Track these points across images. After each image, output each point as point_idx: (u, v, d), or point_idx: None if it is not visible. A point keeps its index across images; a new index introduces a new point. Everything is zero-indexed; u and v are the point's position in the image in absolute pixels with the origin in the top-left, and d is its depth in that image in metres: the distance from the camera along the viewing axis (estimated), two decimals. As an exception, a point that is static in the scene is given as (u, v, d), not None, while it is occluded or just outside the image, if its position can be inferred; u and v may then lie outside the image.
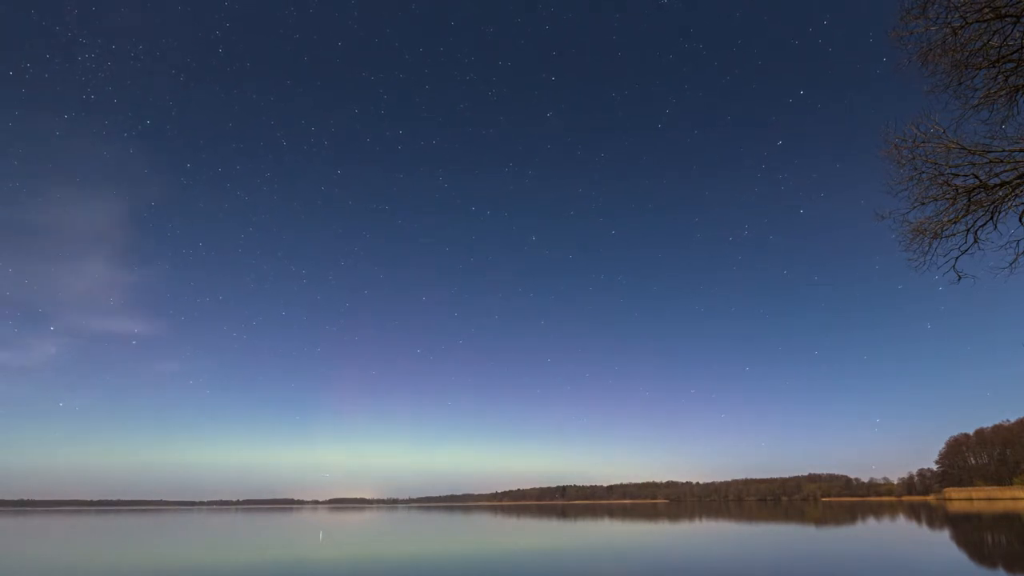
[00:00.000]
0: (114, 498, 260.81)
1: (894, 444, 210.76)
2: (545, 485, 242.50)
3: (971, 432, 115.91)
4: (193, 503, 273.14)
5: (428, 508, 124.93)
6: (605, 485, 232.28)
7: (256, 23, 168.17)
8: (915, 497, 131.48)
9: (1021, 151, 8.25)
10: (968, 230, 9.18)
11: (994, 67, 7.95)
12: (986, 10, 7.42)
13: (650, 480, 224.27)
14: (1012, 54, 7.75)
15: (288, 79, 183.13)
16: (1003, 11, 7.39)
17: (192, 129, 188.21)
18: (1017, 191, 8.51)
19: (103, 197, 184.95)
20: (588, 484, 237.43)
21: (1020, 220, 8.80)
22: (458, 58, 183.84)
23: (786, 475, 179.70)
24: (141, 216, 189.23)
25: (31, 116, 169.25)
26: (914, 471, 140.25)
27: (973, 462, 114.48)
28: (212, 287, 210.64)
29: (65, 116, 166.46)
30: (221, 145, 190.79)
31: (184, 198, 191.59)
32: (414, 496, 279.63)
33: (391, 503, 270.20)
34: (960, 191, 8.78)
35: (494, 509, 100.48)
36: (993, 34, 7.65)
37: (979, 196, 8.73)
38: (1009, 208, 8.79)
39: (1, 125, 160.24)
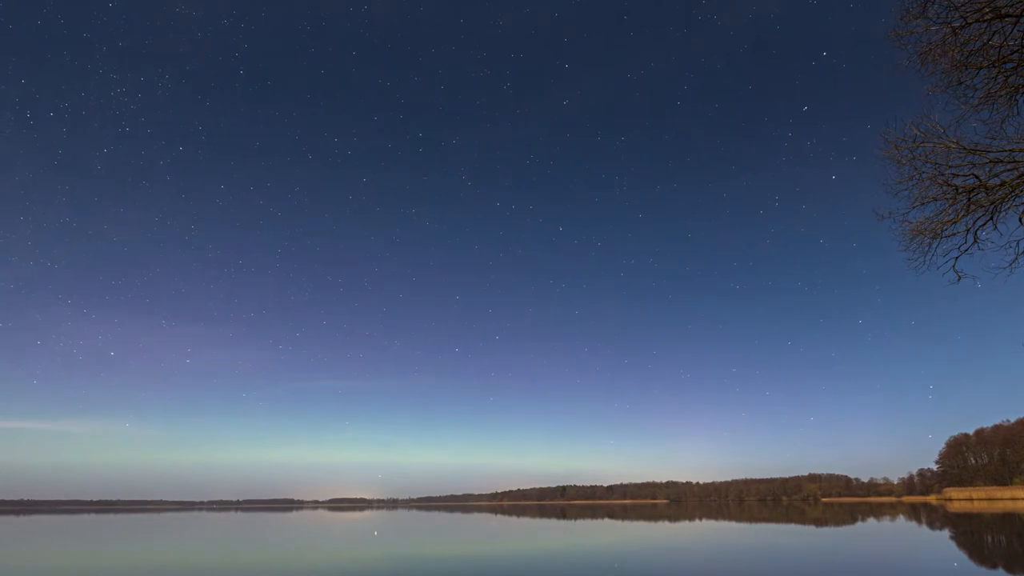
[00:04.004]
0: (114, 498, 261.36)
1: (894, 444, 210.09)
2: (545, 485, 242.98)
3: (971, 432, 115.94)
4: (193, 503, 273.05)
5: (429, 508, 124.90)
6: (605, 485, 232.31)
7: (272, 41, 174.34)
8: (915, 497, 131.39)
9: (1021, 151, 8.24)
10: (968, 230, 9.18)
11: (994, 67, 7.95)
12: (986, 10, 7.41)
13: (650, 480, 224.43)
14: (1012, 54, 7.74)
15: (308, 93, 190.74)
16: (1003, 11, 7.38)
17: (222, 151, 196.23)
18: (1017, 191, 8.51)
19: (146, 224, 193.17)
20: (588, 484, 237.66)
21: (1020, 220, 8.80)
22: (470, 55, 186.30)
23: (786, 475, 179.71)
24: (183, 239, 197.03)
25: (73, 153, 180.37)
26: (914, 471, 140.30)
27: (973, 462, 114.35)
28: (255, 302, 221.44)
29: (104, 150, 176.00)
30: (251, 164, 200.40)
31: (221, 218, 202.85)
32: (414, 496, 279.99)
33: (391, 503, 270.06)
34: (960, 191, 8.78)
35: (494, 509, 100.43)
36: (993, 34, 7.65)
37: (979, 196, 8.73)
38: (1009, 208, 8.80)
39: (47, 163, 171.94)
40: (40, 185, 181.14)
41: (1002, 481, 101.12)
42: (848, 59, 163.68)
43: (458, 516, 56.27)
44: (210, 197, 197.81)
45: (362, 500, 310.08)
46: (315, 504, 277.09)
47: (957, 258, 9.49)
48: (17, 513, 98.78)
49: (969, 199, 8.80)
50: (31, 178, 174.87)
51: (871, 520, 36.64)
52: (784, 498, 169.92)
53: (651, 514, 56.61)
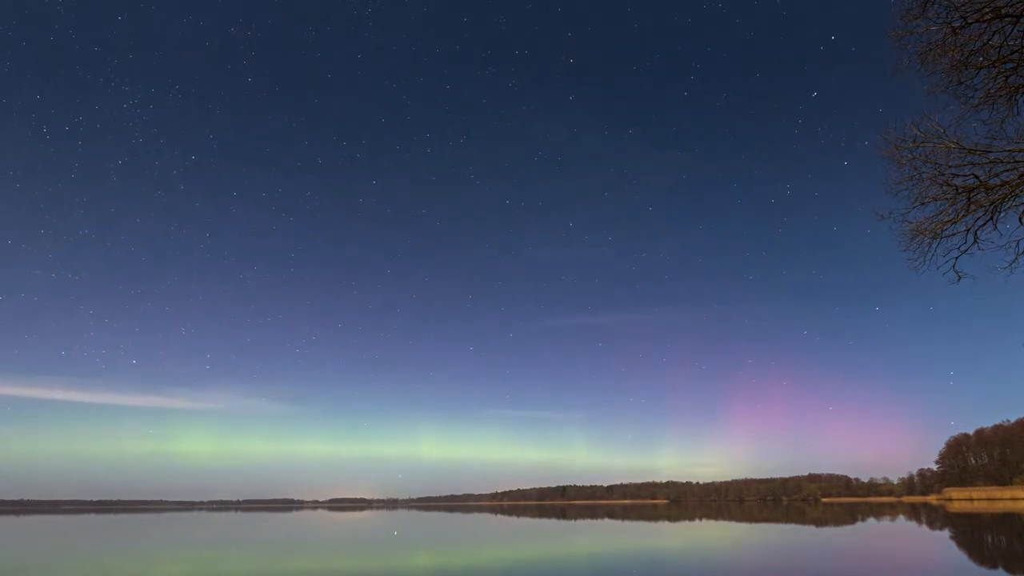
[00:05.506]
0: (114, 498, 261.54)
1: (894, 444, 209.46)
2: (545, 485, 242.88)
3: (971, 432, 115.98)
4: (193, 503, 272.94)
5: (429, 508, 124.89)
6: (605, 485, 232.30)
7: (278, 48, 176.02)
8: (916, 497, 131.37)
9: (1021, 151, 8.24)
10: (968, 230, 9.18)
11: (994, 67, 7.94)
12: (986, 10, 7.41)
13: (650, 480, 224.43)
14: (1012, 54, 7.74)
15: (315, 98, 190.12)
16: (1003, 11, 7.38)
17: (234, 159, 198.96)
18: (1017, 191, 8.50)
19: (162, 233, 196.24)
20: (588, 484, 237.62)
21: (1020, 220, 8.80)
22: (475, 54, 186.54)
23: (786, 475, 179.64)
24: (198, 246, 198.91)
25: (89, 166, 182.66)
26: (914, 471, 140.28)
27: (973, 462, 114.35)
28: (271, 307, 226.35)
29: (119, 161, 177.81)
30: (262, 171, 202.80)
31: (235, 225, 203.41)
32: (414, 496, 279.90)
33: (391, 503, 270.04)
34: (960, 191, 8.78)
35: (494, 509, 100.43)
36: (993, 34, 7.64)
37: (979, 196, 8.73)
38: (1009, 208, 8.79)
39: (64, 176, 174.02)
40: (59, 198, 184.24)
41: (1002, 481, 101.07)
42: (856, 43, 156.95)
43: (460, 516, 56.25)
44: (224, 204, 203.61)
45: (362, 500, 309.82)
46: (315, 504, 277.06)
47: (957, 258, 9.49)
48: (17, 513, 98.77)
49: (969, 199, 8.79)
50: (50, 192, 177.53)
51: (871, 520, 36.64)
52: (784, 498, 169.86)
53: (651, 514, 56.61)
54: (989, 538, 20.00)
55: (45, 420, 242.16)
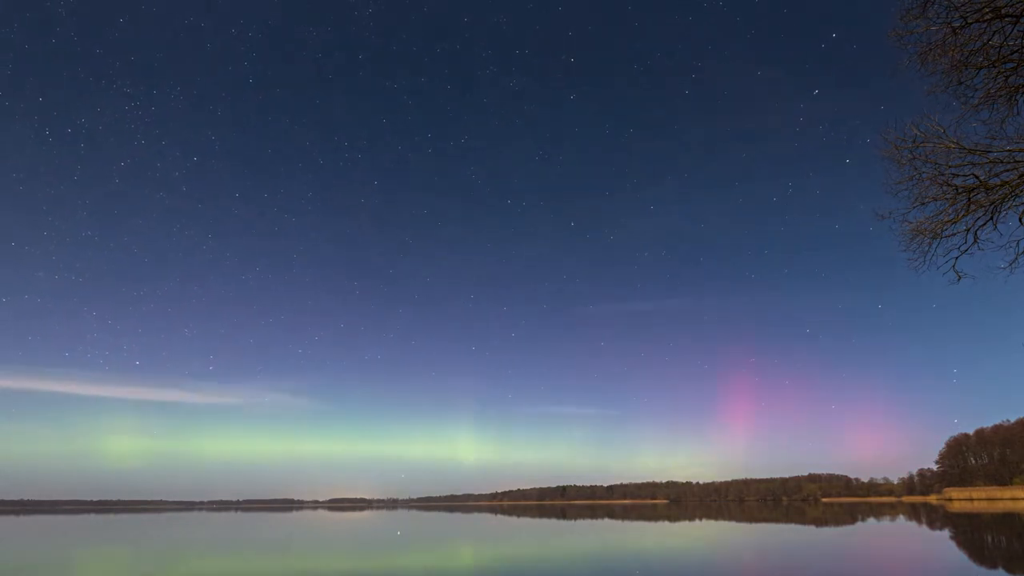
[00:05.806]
0: (114, 498, 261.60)
1: (894, 444, 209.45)
2: (545, 485, 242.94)
3: (971, 432, 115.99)
4: (193, 503, 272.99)
5: (429, 508, 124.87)
6: (605, 485, 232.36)
7: (279, 49, 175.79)
8: (916, 497, 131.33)
9: (1021, 151, 8.24)
10: (968, 230, 9.17)
11: (994, 67, 7.94)
12: (986, 10, 7.40)
13: (650, 480, 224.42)
14: (1012, 54, 7.73)
15: (316, 99, 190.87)
16: (1003, 11, 7.38)
17: (236, 160, 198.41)
18: (1017, 191, 8.50)
19: (165, 234, 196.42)
20: (588, 484, 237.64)
21: (1020, 220, 8.79)
22: (476, 53, 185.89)
23: (786, 475, 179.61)
24: (201, 248, 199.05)
25: (91, 168, 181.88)
26: (914, 471, 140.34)
27: (973, 462, 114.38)
28: (274, 308, 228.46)
29: (121, 163, 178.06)
30: (264, 172, 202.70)
31: (237, 226, 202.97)
32: (414, 496, 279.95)
33: (391, 503, 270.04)
34: (960, 191, 8.77)
35: (494, 509, 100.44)
36: (993, 34, 7.64)
37: (979, 196, 8.72)
38: (1009, 208, 8.79)
39: (66, 178, 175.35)
40: (61, 200, 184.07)
41: (1002, 481, 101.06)
42: (858, 40, 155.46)
43: (460, 516, 56.25)
44: (225, 206, 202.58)
45: (362, 500, 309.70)
46: (315, 504, 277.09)
47: (957, 258, 9.49)
48: (17, 513, 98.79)
49: (969, 199, 8.78)
50: (52, 194, 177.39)
51: (871, 520, 36.63)
52: (784, 498, 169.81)
53: (651, 514, 56.62)
54: (989, 538, 20.00)
55: (45, 419, 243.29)
